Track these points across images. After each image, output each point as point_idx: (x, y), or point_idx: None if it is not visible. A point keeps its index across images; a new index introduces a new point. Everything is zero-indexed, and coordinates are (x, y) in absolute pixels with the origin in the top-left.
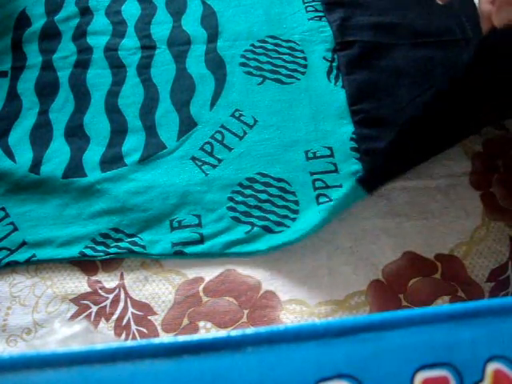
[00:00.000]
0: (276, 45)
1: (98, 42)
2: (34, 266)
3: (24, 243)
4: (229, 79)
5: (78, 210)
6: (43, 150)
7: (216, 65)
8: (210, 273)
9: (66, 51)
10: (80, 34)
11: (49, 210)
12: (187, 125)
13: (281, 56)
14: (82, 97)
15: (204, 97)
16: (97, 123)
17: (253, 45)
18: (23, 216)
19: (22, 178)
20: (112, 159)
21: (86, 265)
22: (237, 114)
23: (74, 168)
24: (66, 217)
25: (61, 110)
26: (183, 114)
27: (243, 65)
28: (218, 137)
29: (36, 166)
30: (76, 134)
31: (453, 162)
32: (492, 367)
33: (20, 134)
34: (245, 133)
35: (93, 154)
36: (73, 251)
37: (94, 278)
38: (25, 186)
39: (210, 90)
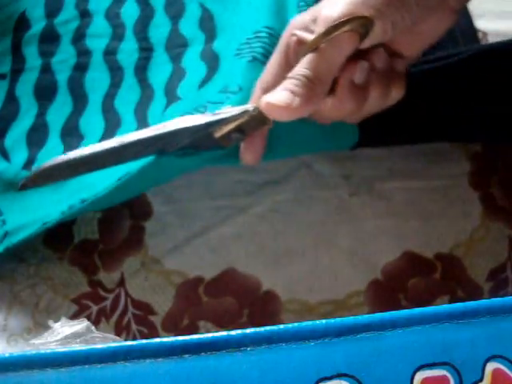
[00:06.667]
0: (270, 34)
1: (97, 45)
2: (34, 265)
3: (6, 233)
4: (220, 67)
5: (59, 195)
6: (38, 150)
7: (211, 59)
8: (210, 273)
9: (65, 54)
10: (79, 37)
11: (33, 201)
12: (171, 101)
13: (274, 42)
14: (79, 99)
15: (193, 79)
16: (92, 123)
17: (248, 38)
18: (12, 211)
19: (14, 176)
20: None
21: (86, 265)
22: (223, 89)
23: None
24: (46, 202)
25: (58, 113)
26: (170, 95)
27: (237, 55)
28: (202, 109)
29: (29, 163)
30: (71, 134)
31: (452, 162)
32: (491, 367)
33: (16, 136)
34: (228, 99)
35: None
36: (37, 225)
37: (94, 277)
38: (18, 183)
39: (200, 75)
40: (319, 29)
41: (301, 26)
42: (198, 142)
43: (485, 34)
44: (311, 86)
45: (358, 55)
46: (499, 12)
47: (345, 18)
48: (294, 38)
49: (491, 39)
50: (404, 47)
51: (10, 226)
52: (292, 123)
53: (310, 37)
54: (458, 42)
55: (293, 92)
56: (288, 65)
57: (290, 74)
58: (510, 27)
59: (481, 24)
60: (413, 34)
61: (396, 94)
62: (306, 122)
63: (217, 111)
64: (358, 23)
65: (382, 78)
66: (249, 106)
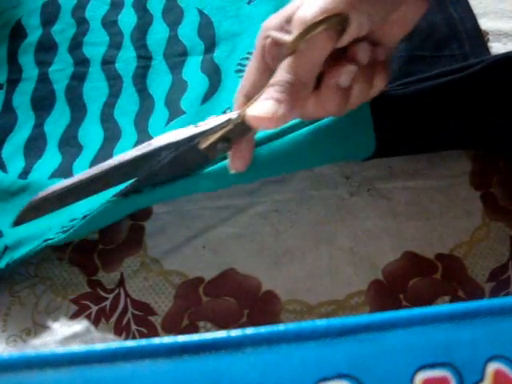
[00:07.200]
0: None
1: (94, 53)
2: (33, 265)
3: (6, 248)
4: (223, 83)
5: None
6: (35, 161)
7: (212, 71)
8: (209, 273)
9: (62, 63)
10: (76, 45)
11: None
12: (175, 115)
13: None
14: (77, 109)
15: (196, 93)
16: (91, 133)
17: (249, 52)
18: (9, 222)
19: (10, 185)
20: (101, 162)
21: (86, 265)
22: (228, 112)
23: (62, 171)
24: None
25: (56, 123)
26: (173, 108)
27: (239, 71)
28: None
29: (25, 173)
30: (70, 144)
31: (453, 162)
32: (492, 367)
33: (14, 147)
34: None
35: (83, 160)
36: (38, 241)
37: (93, 277)
38: (14, 192)
39: (203, 89)
40: (295, 31)
41: (274, 26)
42: (183, 155)
43: (486, 33)
44: (294, 91)
45: (342, 52)
46: (500, 11)
47: (320, 18)
48: (269, 40)
49: (492, 38)
50: (382, 38)
51: (8, 239)
52: (309, 139)
53: (284, 37)
54: (463, 43)
55: (277, 100)
56: (266, 68)
57: (271, 81)
58: (511, 27)
59: (482, 23)
60: (388, 24)
61: (380, 83)
62: (325, 137)
63: (200, 123)
64: (333, 21)
65: (365, 71)
66: (232, 114)
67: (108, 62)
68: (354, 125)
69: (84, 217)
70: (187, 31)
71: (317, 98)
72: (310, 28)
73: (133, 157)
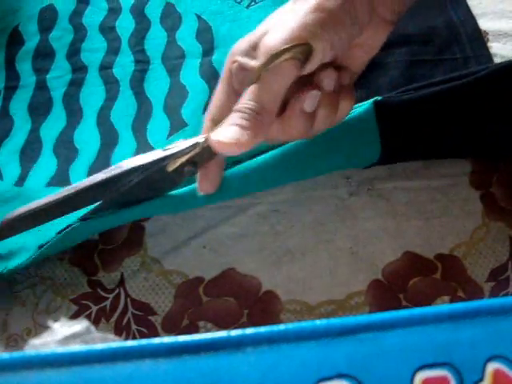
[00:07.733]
0: None
1: (92, 59)
2: (33, 266)
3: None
4: None
5: None
6: (31, 166)
7: (211, 75)
8: (209, 273)
9: (60, 70)
10: (74, 52)
11: None
12: (177, 126)
13: None
14: (74, 113)
15: (197, 102)
16: (87, 136)
17: None
18: None
19: (5, 192)
20: (100, 169)
21: (86, 265)
22: None
23: (59, 177)
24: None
25: (52, 127)
26: (174, 117)
27: None
28: None
29: (21, 179)
30: (65, 147)
31: (453, 162)
32: (492, 367)
33: (9, 153)
34: None
35: (80, 165)
36: (32, 250)
37: (93, 278)
38: (8, 199)
39: (203, 97)
40: (260, 59)
41: (241, 51)
42: (151, 177)
43: (486, 33)
44: (258, 118)
45: (308, 77)
46: (500, 11)
47: (284, 47)
48: (236, 65)
49: (492, 38)
50: (348, 62)
51: (2, 248)
52: (316, 150)
53: (250, 62)
54: (464, 46)
55: (241, 126)
56: (233, 92)
57: (235, 107)
58: (510, 27)
59: (482, 24)
60: (353, 49)
61: (345, 108)
62: (330, 148)
63: (168, 146)
64: (297, 50)
65: (330, 96)
66: (199, 138)
67: (105, 68)
68: (359, 133)
69: (59, 232)
70: (185, 36)
71: (281, 124)
72: (275, 56)
73: (103, 179)
